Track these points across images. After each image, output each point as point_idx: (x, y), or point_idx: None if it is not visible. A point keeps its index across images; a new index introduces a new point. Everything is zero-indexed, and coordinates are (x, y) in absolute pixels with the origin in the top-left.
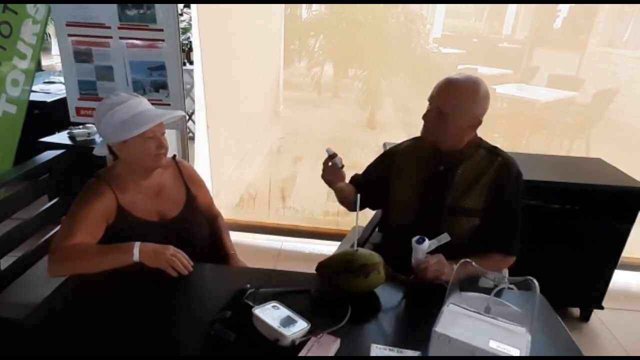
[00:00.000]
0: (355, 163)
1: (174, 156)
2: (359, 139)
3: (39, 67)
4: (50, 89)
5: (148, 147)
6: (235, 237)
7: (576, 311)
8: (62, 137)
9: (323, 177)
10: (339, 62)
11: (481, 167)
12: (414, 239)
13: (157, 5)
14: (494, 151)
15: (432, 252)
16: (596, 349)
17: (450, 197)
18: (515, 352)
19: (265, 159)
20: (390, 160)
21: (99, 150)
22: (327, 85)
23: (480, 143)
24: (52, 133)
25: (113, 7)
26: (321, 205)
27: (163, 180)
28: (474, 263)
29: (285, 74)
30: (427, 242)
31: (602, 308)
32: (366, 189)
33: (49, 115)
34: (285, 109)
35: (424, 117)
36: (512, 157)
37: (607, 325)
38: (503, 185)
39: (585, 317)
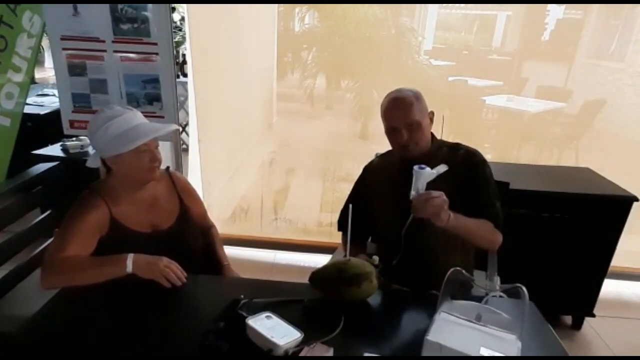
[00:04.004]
0: (348, 174)
1: (168, 168)
2: (351, 150)
3: (32, 80)
4: (44, 101)
5: (142, 160)
6: (228, 250)
7: (568, 319)
8: (55, 150)
9: None
10: (332, 75)
11: (448, 163)
12: (416, 166)
13: (151, 20)
14: (456, 147)
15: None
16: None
17: None
18: None
19: (258, 171)
20: (366, 178)
21: (92, 162)
22: (320, 97)
23: (442, 142)
24: (45, 145)
25: (107, 22)
26: (314, 217)
27: (156, 192)
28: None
29: (278, 86)
30: (428, 169)
31: (593, 316)
32: (362, 217)
33: (42, 128)
34: (278, 121)
35: (399, 139)
36: (475, 148)
37: (598, 332)
38: (473, 174)
39: (577, 325)
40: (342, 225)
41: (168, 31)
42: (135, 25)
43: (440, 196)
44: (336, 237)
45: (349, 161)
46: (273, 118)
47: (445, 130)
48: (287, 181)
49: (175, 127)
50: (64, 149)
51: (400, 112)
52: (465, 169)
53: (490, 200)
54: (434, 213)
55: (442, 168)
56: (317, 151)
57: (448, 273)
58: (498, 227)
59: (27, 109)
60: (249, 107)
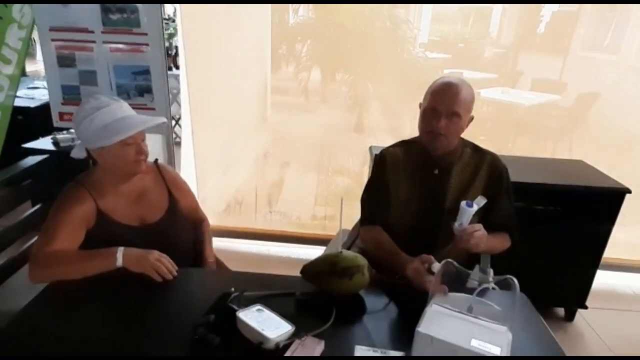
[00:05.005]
0: (343, 167)
1: (156, 160)
2: (346, 144)
3: (23, 73)
4: (34, 94)
5: (127, 153)
6: (222, 243)
7: (561, 311)
8: (45, 143)
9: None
10: (326, 67)
11: (473, 166)
12: (463, 202)
13: (140, 10)
14: (479, 149)
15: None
16: (581, 348)
17: (449, 200)
18: (496, 350)
19: (253, 164)
20: (387, 165)
21: (77, 153)
22: (315, 90)
23: (464, 142)
24: (36, 138)
25: (97, 12)
26: (308, 210)
27: (144, 184)
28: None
29: (273, 79)
30: (475, 206)
31: (585, 308)
32: (385, 203)
33: (32, 121)
34: (273, 114)
35: (434, 124)
36: (494, 152)
37: (591, 324)
38: (497, 181)
39: (569, 317)
40: (375, 218)
41: (159, 21)
42: (125, 16)
43: (481, 229)
44: (330, 230)
45: (343, 154)
46: (267, 111)
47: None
48: (281, 174)
49: (162, 120)
50: (55, 142)
51: (450, 98)
52: (490, 175)
53: (512, 213)
54: (476, 245)
55: (481, 200)
56: (312, 144)
57: (440, 265)
58: (512, 237)
59: (18, 102)
60: (243, 100)
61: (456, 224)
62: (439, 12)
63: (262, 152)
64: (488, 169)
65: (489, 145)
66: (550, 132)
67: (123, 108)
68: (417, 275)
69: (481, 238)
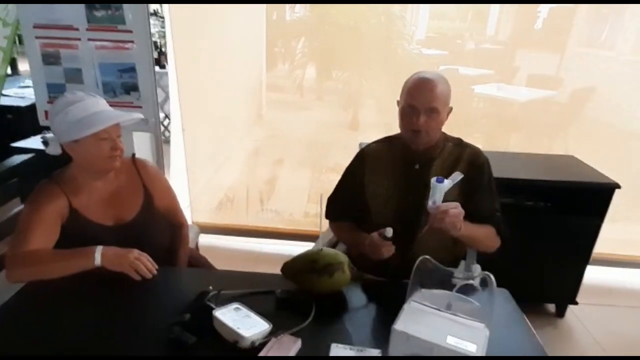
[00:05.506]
0: (337, 165)
1: (133, 155)
2: (341, 141)
3: (15, 71)
4: (25, 93)
5: (101, 148)
6: (214, 240)
7: (551, 307)
8: (35, 142)
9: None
10: (321, 64)
11: (453, 160)
12: (434, 178)
13: (125, 6)
14: (460, 144)
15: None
16: (571, 344)
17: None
18: (472, 348)
19: (247, 161)
20: (365, 163)
21: (52, 149)
22: (310, 87)
23: (446, 137)
24: (27, 137)
25: (81, 9)
26: (301, 207)
27: (119, 182)
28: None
29: (269, 76)
30: (446, 181)
31: (576, 303)
32: (352, 200)
33: (23, 120)
34: (268, 112)
35: (414, 121)
36: (477, 146)
37: (581, 320)
38: (477, 175)
39: (560, 312)
40: (334, 213)
41: (145, 18)
42: (109, 13)
43: (457, 207)
44: (323, 227)
45: (338, 151)
46: (263, 108)
47: None
48: (275, 171)
49: (139, 116)
50: (44, 141)
51: (426, 94)
52: (470, 169)
53: (495, 206)
54: (452, 225)
55: (457, 176)
56: (307, 141)
57: (417, 261)
58: (499, 233)
59: (8, 101)
60: (237, 97)
61: (429, 203)
62: (437, 10)
63: (258, 149)
64: (468, 163)
65: (484, 142)
66: (546, 128)
67: (99, 103)
68: (373, 245)
69: (457, 217)
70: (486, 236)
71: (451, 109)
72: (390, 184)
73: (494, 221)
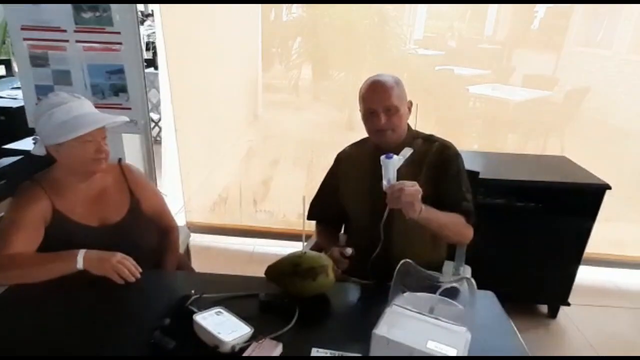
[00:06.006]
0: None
1: (120, 160)
2: (337, 141)
3: (9, 72)
4: (18, 94)
5: (86, 151)
6: (208, 240)
7: (544, 308)
8: (26, 144)
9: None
10: (317, 65)
11: (422, 155)
12: (382, 156)
13: (113, 8)
14: (430, 138)
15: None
16: (564, 345)
17: None
18: (452, 352)
19: (242, 161)
20: (340, 166)
21: (37, 150)
22: (306, 87)
23: (417, 134)
24: (19, 139)
25: (68, 10)
26: (295, 208)
27: (105, 184)
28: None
29: (265, 77)
30: (395, 156)
31: (568, 304)
32: (330, 202)
33: (15, 121)
34: (264, 112)
35: (376, 123)
36: (449, 141)
37: (574, 321)
38: (445, 167)
39: (552, 313)
40: (313, 215)
41: (133, 20)
42: (97, 14)
43: (413, 186)
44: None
45: (334, 151)
46: (259, 109)
47: (431, 119)
48: (270, 172)
49: (124, 118)
50: (36, 143)
51: (380, 95)
52: (438, 161)
53: (462, 195)
54: (408, 203)
55: (407, 151)
56: (303, 142)
57: (399, 265)
58: (469, 222)
59: (1, 102)
60: (233, 98)
61: (384, 182)
62: (435, 10)
63: (252, 150)
64: (436, 156)
65: (480, 142)
66: (542, 128)
67: (83, 105)
68: (333, 258)
69: (414, 195)
70: (453, 223)
71: (411, 102)
72: (365, 184)
73: (461, 209)
